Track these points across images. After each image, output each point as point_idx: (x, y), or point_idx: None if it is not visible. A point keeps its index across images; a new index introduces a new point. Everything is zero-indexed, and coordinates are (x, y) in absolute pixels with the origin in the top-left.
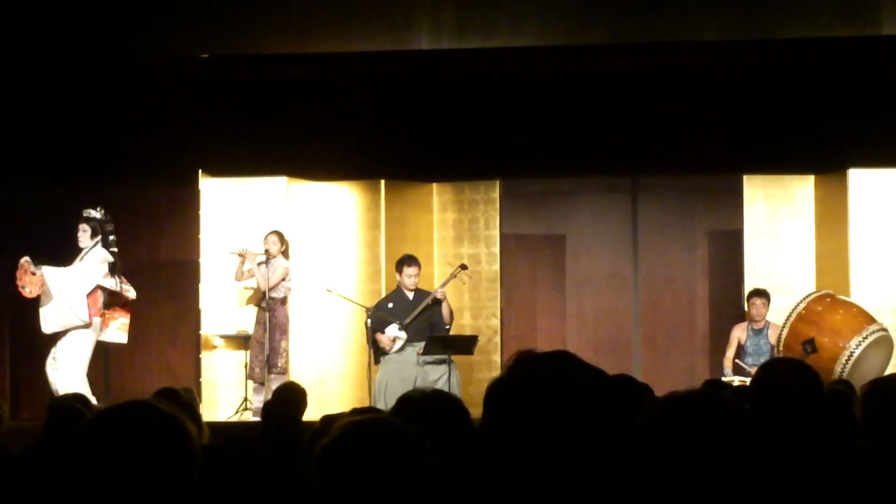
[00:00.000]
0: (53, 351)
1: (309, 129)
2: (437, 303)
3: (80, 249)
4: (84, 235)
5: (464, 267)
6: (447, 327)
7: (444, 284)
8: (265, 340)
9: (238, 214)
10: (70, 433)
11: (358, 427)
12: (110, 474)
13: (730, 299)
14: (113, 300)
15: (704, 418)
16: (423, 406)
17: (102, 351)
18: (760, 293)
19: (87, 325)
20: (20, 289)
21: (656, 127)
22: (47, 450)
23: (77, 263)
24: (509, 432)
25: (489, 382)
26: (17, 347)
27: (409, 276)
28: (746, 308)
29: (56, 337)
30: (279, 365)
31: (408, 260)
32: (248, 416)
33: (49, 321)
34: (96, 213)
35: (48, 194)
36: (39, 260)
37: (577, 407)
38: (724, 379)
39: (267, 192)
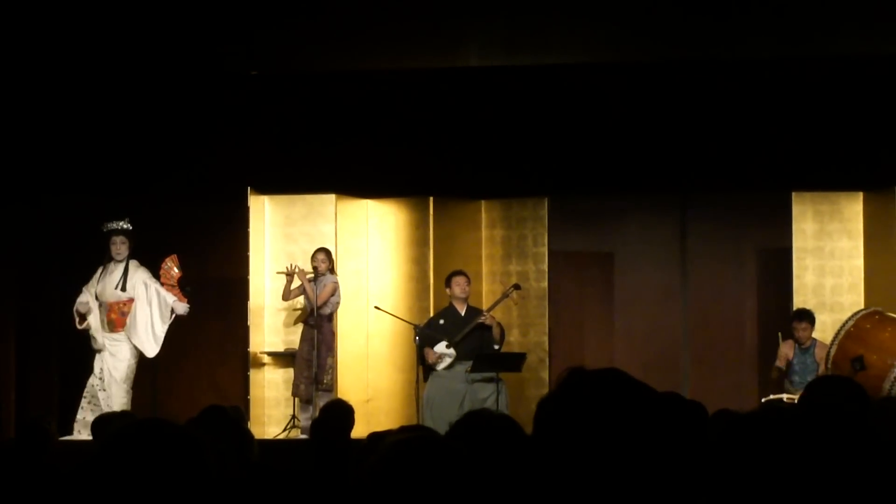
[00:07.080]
0: (100, 371)
1: (357, 146)
2: (487, 327)
3: (105, 263)
4: (123, 248)
5: (517, 287)
6: (497, 347)
7: (495, 305)
8: (312, 357)
9: (287, 232)
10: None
11: (405, 445)
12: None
13: (779, 317)
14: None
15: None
16: (476, 425)
17: (150, 368)
18: (803, 316)
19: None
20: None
21: (705, 144)
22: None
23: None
24: (560, 450)
25: (539, 399)
26: (65, 365)
27: (459, 285)
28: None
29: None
30: (325, 382)
31: (455, 273)
32: (297, 434)
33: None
34: (127, 225)
35: (95, 211)
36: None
37: (627, 425)
38: (772, 397)
39: (315, 210)
